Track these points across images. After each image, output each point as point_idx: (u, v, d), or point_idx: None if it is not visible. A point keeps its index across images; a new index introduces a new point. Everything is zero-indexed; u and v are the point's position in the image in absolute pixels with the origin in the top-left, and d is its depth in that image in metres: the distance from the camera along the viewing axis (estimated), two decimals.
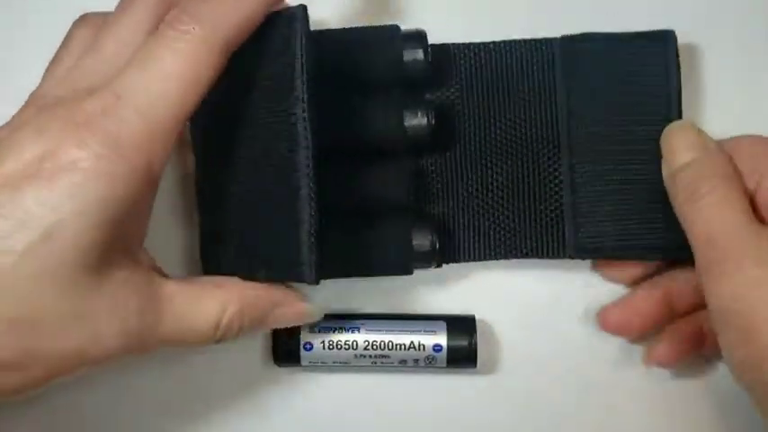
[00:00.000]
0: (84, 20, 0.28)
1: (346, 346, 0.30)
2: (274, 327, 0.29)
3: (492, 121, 0.32)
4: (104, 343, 0.24)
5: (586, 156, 0.30)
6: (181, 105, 0.24)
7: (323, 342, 0.30)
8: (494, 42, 0.32)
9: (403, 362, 0.30)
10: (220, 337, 0.26)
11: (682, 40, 0.31)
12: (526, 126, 0.31)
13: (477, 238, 0.31)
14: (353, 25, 0.31)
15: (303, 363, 0.31)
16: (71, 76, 0.25)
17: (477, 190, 0.31)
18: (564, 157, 0.31)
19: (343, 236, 0.30)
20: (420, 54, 0.30)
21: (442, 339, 0.30)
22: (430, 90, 0.32)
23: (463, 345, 0.30)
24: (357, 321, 0.31)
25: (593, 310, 0.31)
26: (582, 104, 0.31)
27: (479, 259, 0.31)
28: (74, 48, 0.27)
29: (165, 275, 0.27)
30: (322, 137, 0.29)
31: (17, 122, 0.24)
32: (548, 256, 0.31)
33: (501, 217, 0.31)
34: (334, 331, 0.30)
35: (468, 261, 0.31)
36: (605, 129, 0.31)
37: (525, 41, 0.31)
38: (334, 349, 0.30)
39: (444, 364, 0.30)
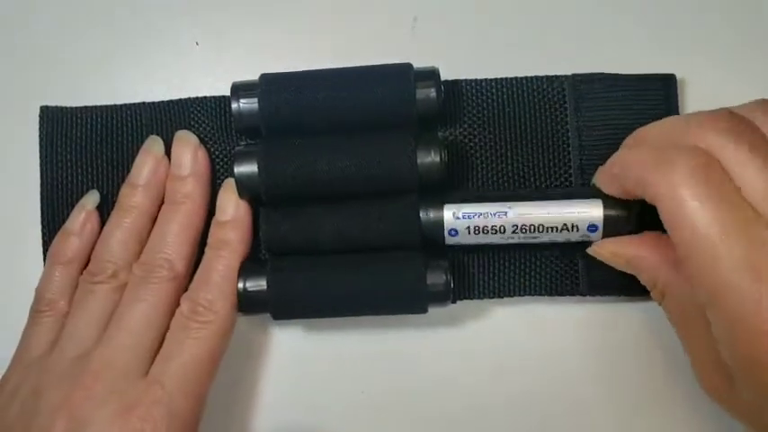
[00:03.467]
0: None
1: (493, 231, 0.29)
2: None
3: (503, 156, 0.32)
4: None
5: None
6: (210, 377, 0.29)
7: (468, 228, 0.29)
8: (505, 78, 0.32)
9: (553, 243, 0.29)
10: None
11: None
12: (537, 163, 0.31)
13: (490, 275, 0.31)
14: (367, 63, 0.31)
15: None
16: (106, 354, 0.29)
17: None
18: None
19: (355, 274, 0.30)
20: (433, 92, 0.30)
21: (597, 220, 0.28)
22: (442, 127, 0.32)
23: (621, 215, 0.28)
24: (505, 204, 0.29)
25: None
26: (592, 142, 0.31)
27: (493, 297, 0.31)
28: (92, 312, 0.30)
29: None
30: (333, 177, 0.29)
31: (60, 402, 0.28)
32: (561, 294, 0.31)
33: (515, 254, 0.31)
34: (479, 217, 0.29)
35: (481, 298, 0.31)
36: None
37: (536, 78, 0.32)
38: (480, 234, 0.29)
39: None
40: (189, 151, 0.31)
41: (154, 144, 0.32)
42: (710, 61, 0.32)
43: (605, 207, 0.28)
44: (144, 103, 0.33)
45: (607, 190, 0.28)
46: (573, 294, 0.31)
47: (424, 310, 0.30)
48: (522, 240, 0.29)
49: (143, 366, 0.29)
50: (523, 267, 0.31)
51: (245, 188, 0.30)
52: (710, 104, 0.31)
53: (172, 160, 0.32)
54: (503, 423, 0.32)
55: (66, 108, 0.33)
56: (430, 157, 0.29)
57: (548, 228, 0.28)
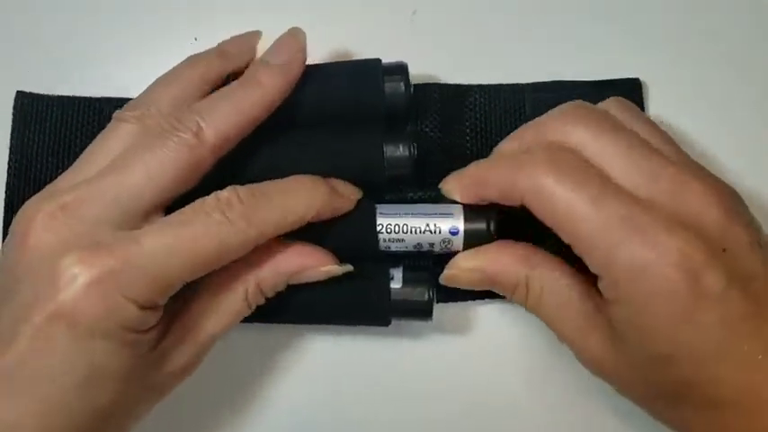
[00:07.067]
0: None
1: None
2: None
3: (466, 161, 0.31)
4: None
5: None
6: (188, 275, 0.25)
7: None
8: (468, 85, 0.32)
9: (418, 246, 0.29)
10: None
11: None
12: None
13: None
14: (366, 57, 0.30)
15: None
16: (92, 186, 0.25)
17: None
18: None
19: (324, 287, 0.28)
20: (401, 86, 0.29)
21: (458, 222, 0.28)
22: (412, 124, 0.31)
23: (481, 228, 0.28)
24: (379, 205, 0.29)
25: None
26: None
27: (461, 300, 0.31)
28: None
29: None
30: (300, 171, 0.28)
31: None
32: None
33: None
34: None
35: (447, 302, 0.31)
36: None
37: (497, 86, 0.32)
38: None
39: (461, 249, 0.28)
40: (293, 47, 0.28)
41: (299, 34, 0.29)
42: (676, 64, 0.33)
43: (466, 210, 0.28)
44: (121, 98, 0.32)
45: (461, 198, 0.28)
46: None
47: (387, 324, 0.29)
48: (387, 244, 0.28)
49: (127, 220, 0.25)
50: None
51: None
52: (676, 108, 0.32)
53: (269, 47, 0.29)
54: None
55: (43, 95, 0.32)
56: (399, 151, 0.29)
57: (412, 228, 0.28)
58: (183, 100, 0.27)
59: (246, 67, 0.29)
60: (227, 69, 0.29)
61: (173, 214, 0.25)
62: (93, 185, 0.25)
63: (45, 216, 0.24)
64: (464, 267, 0.28)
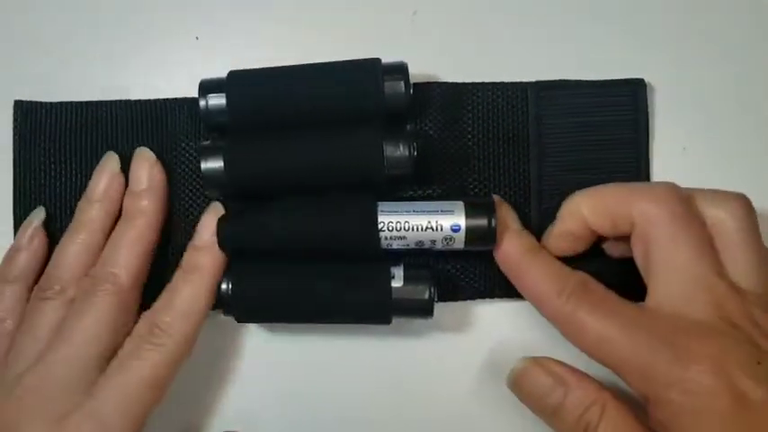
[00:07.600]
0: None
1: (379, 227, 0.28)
2: None
3: (468, 159, 0.31)
4: None
5: (554, 202, 0.30)
6: (153, 400, 0.28)
7: None
8: (469, 83, 0.32)
9: (420, 243, 0.29)
10: None
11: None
12: (499, 168, 0.31)
13: (460, 279, 0.31)
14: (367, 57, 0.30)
15: None
16: (43, 368, 0.28)
17: None
18: (534, 202, 0.31)
19: (325, 284, 0.29)
20: (401, 86, 0.29)
21: (460, 219, 0.28)
22: (412, 123, 0.31)
23: (482, 224, 0.28)
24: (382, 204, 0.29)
25: None
26: (552, 150, 0.31)
27: (461, 299, 0.31)
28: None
29: None
30: (300, 171, 0.29)
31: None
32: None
33: (479, 258, 0.31)
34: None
35: (447, 301, 0.31)
36: (574, 175, 0.31)
37: (500, 84, 0.32)
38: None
39: (462, 245, 0.28)
40: (145, 167, 0.31)
41: (109, 161, 0.31)
42: (676, 64, 0.33)
43: (467, 207, 0.28)
44: (119, 100, 0.32)
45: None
46: None
47: (388, 321, 0.29)
48: (389, 242, 0.29)
49: (84, 381, 0.28)
50: (483, 271, 0.31)
51: (212, 184, 0.29)
52: (676, 108, 0.32)
53: (130, 176, 0.31)
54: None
55: (41, 103, 0.32)
56: (399, 151, 0.29)
57: (413, 226, 0.28)
58: (89, 259, 0.30)
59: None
60: (109, 217, 0.31)
61: (114, 360, 0.28)
62: (43, 366, 0.28)
63: (15, 401, 0.27)
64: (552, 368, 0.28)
